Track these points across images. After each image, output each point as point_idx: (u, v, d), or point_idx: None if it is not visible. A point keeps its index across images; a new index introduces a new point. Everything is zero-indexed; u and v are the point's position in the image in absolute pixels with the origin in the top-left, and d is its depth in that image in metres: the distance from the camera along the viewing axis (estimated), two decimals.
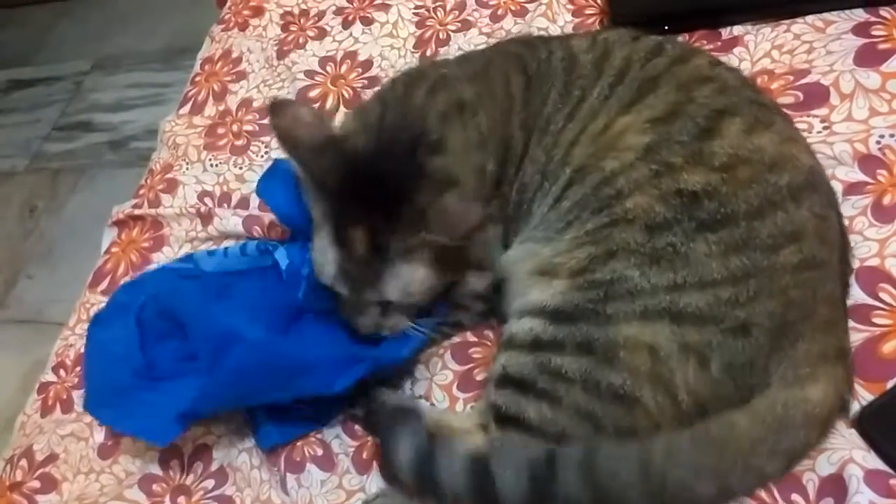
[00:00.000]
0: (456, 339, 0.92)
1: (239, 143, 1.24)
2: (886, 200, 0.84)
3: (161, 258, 1.13)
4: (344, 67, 1.29)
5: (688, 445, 0.66)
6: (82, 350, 1.05)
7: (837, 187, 0.86)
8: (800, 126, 0.92)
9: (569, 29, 1.17)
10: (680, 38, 1.08)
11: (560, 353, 0.71)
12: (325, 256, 0.81)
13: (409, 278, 0.79)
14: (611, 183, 0.74)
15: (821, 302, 0.70)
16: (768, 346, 0.68)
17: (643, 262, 0.70)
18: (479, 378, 0.88)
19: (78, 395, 1.05)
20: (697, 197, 0.70)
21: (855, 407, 0.73)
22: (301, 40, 1.36)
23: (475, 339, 0.91)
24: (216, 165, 1.22)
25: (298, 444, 0.90)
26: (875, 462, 0.68)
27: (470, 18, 1.27)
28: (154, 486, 0.92)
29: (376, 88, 1.23)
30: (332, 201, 0.80)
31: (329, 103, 1.24)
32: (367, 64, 1.28)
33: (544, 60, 0.87)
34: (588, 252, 0.73)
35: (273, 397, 0.87)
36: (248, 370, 0.81)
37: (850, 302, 0.78)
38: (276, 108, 0.82)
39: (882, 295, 0.78)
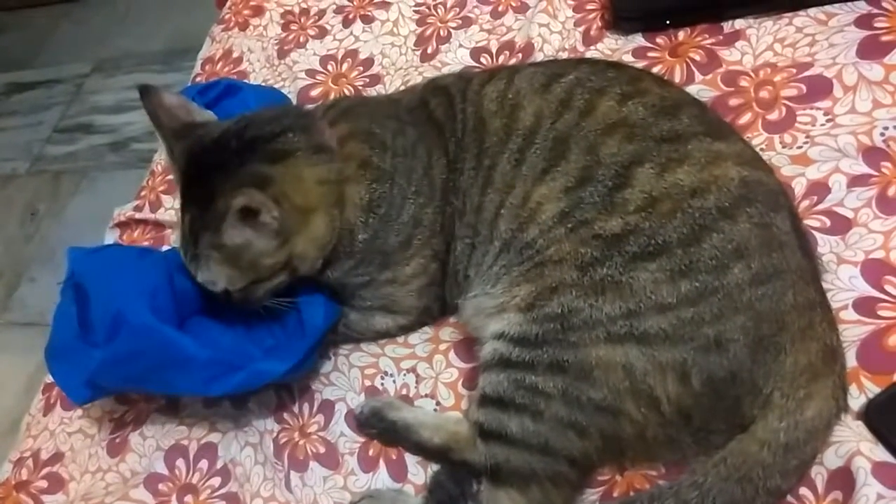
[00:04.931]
0: (459, 337, 0.92)
1: None
2: (891, 192, 0.84)
3: None
4: (345, 66, 1.29)
5: (714, 481, 0.68)
6: None
7: (842, 180, 0.86)
8: (803, 119, 0.93)
9: (570, 25, 1.17)
10: (682, 34, 1.08)
11: (532, 372, 0.73)
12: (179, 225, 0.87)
13: (210, 271, 0.84)
14: (531, 245, 0.78)
15: (789, 311, 0.70)
16: (749, 361, 0.69)
17: (587, 295, 0.72)
18: None
19: None
20: (619, 237, 0.73)
21: (862, 399, 0.73)
22: (302, 39, 1.36)
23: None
24: None
25: (301, 442, 0.90)
26: (883, 454, 0.68)
27: (471, 15, 1.27)
28: (160, 486, 0.92)
29: (378, 87, 1.23)
30: (179, 180, 0.87)
31: None
32: (369, 62, 1.28)
33: (460, 126, 0.88)
34: (528, 290, 0.76)
35: (153, 387, 0.92)
36: (130, 354, 0.84)
37: (855, 294, 0.78)
38: (144, 92, 0.89)
39: (888, 287, 0.78)
